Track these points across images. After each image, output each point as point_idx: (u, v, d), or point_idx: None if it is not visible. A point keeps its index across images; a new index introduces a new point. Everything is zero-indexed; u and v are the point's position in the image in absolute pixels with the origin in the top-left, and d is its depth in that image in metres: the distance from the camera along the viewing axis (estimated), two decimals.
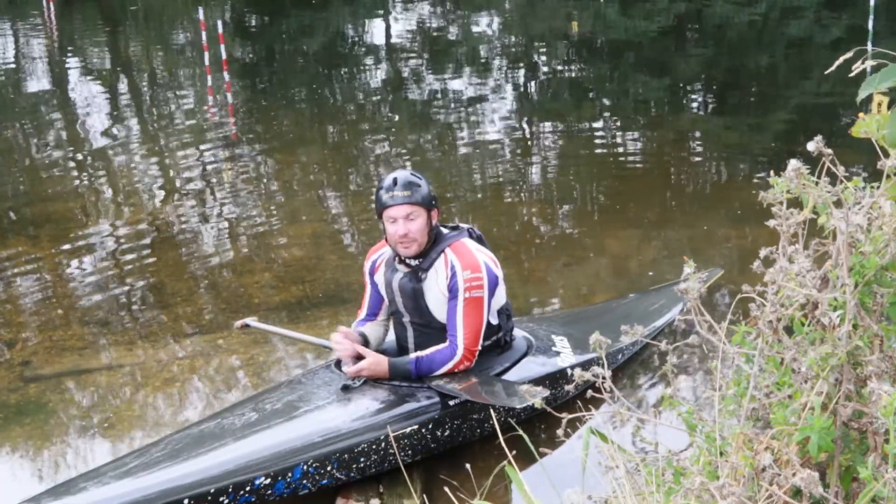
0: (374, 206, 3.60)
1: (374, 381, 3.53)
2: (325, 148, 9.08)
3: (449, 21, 17.70)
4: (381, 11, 18.31)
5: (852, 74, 2.05)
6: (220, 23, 13.01)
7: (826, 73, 2.23)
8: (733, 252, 5.76)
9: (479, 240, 3.72)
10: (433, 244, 3.57)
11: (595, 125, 9.67)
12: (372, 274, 3.79)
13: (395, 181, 3.49)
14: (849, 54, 2.04)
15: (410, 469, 3.22)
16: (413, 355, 3.58)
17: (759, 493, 1.83)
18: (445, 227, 3.68)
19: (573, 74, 12.67)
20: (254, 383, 4.33)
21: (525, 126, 9.91)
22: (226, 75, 11.97)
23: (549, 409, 2.35)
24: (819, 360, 1.87)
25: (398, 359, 3.57)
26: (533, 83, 12.21)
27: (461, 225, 3.73)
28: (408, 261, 3.58)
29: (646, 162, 8.23)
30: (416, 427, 3.43)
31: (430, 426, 3.47)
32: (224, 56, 12.14)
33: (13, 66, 14.30)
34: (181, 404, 4.22)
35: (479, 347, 3.59)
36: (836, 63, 2.06)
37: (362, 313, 3.83)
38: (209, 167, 8.42)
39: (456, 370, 3.56)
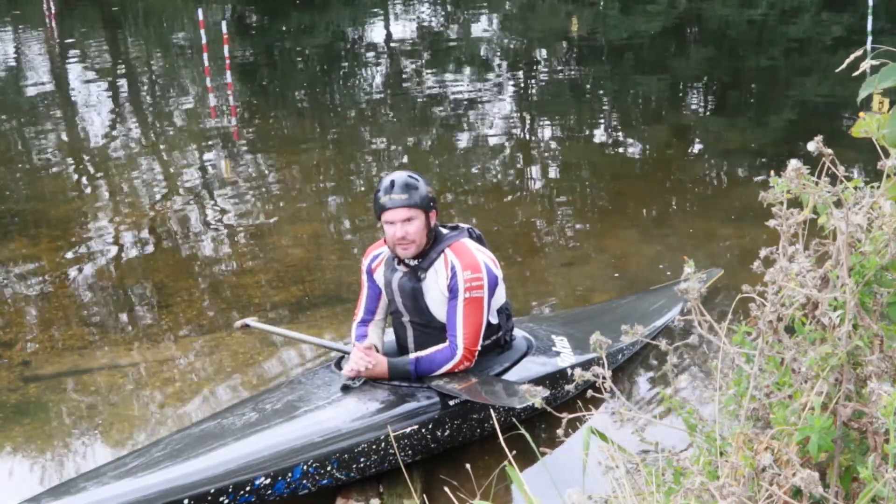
0: (372, 207, 3.60)
1: (373, 381, 3.53)
2: (326, 148, 9.08)
3: (449, 21, 17.69)
4: (380, 11, 18.30)
5: (856, 73, 2.05)
6: (223, 24, 13.00)
7: (836, 70, 2.23)
8: (733, 252, 5.76)
9: (479, 239, 3.72)
10: (433, 244, 3.57)
11: (595, 125, 9.67)
12: (370, 273, 3.78)
13: (392, 184, 3.47)
14: (858, 52, 2.04)
15: (410, 469, 3.22)
16: (412, 356, 3.57)
17: (759, 493, 1.83)
18: (445, 226, 3.68)
19: (573, 74, 12.66)
20: (254, 383, 4.33)
21: (525, 126, 9.91)
22: (228, 75, 11.96)
23: (549, 408, 2.35)
24: (819, 360, 1.87)
25: (397, 359, 3.57)
26: (533, 83, 12.21)
27: (461, 225, 3.73)
28: (407, 261, 3.58)
29: (646, 162, 8.23)
30: (416, 427, 3.43)
31: (430, 426, 3.47)
32: (227, 56, 12.14)
33: (13, 65, 14.30)
34: (181, 404, 4.22)
35: (479, 347, 3.59)
36: (847, 61, 2.07)
37: (359, 314, 3.82)
38: (209, 167, 8.42)
39: (455, 370, 3.56)
